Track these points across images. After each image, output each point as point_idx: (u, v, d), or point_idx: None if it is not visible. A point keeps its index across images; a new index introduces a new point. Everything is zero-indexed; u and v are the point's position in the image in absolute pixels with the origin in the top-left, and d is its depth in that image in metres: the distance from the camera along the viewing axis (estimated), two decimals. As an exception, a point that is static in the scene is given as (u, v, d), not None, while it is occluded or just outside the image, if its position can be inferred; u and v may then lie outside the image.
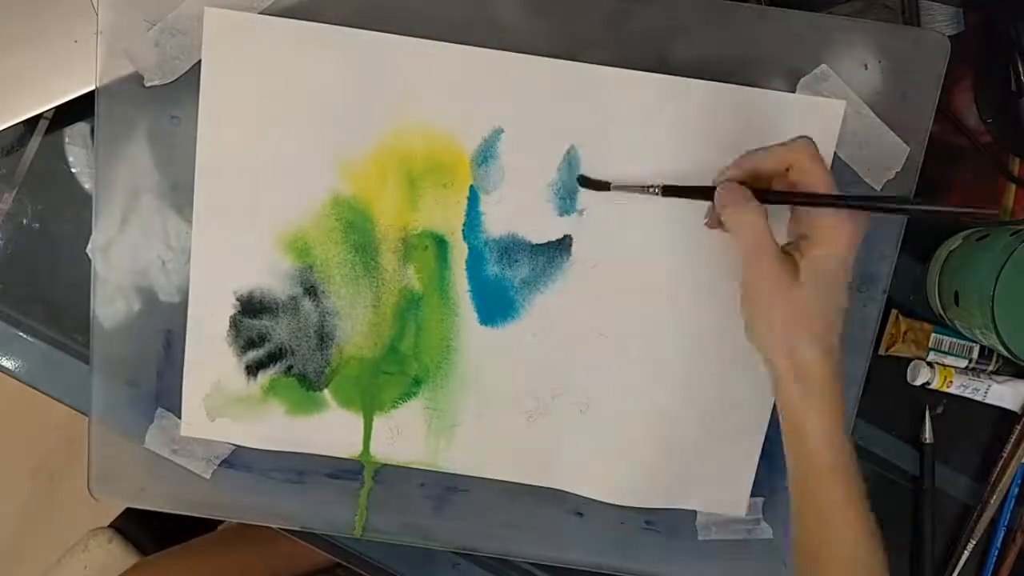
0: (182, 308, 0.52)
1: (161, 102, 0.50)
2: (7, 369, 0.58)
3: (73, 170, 0.57)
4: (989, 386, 0.58)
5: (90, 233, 0.52)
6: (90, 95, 0.50)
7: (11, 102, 0.52)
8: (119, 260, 0.52)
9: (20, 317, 0.58)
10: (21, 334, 0.58)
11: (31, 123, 0.56)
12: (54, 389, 0.59)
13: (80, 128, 0.56)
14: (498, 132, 0.50)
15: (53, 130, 0.56)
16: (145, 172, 0.51)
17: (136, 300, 0.53)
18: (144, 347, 0.53)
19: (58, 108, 0.53)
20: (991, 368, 0.59)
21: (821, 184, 0.43)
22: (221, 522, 0.87)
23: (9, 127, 0.52)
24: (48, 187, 0.57)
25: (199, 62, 0.49)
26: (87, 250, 0.52)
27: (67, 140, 0.56)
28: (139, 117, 0.50)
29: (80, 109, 0.53)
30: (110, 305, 0.53)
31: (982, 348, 0.58)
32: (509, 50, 0.49)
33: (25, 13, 0.52)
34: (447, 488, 0.56)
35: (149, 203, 0.51)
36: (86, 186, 0.57)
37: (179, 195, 0.51)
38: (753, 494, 0.55)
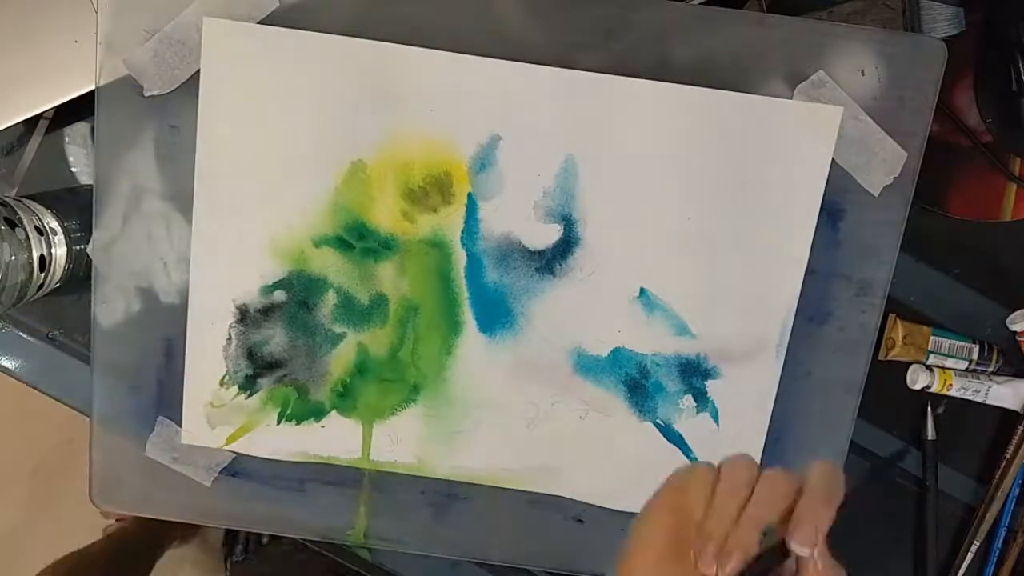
0: (182, 312, 0.52)
1: (160, 111, 0.50)
2: (7, 369, 0.58)
3: (73, 170, 0.57)
4: (989, 387, 0.58)
5: (88, 227, 0.52)
6: (90, 95, 0.50)
7: (11, 102, 0.52)
8: (120, 260, 0.52)
9: (20, 317, 0.58)
10: (21, 334, 0.58)
11: (31, 123, 0.56)
12: (54, 389, 0.59)
13: (80, 128, 0.56)
14: (496, 139, 0.50)
15: (53, 130, 0.56)
16: (145, 179, 0.51)
17: (137, 301, 0.53)
18: (145, 354, 0.53)
19: (58, 108, 0.53)
20: (991, 369, 0.59)
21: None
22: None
23: (9, 127, 0.52)
24: (48, 187, 0.57)
25: (198, 71, 0.49)
26: (87, 249, 0.52)
27: (67, 140, 0.56)
28: (138, 127, 0.50)
29: (80, 109, 0.53)
30: (110, 305, 0.53)
31: (982, 349, 0.58)
32: (507, 58, 0.49)
33: (25, 13, 0.52)
34: (447, 495, 0.56)
35: (150, 205, 0.51)
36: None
37: (179, 200, 0.51)
38: (753, 499, 0.55)
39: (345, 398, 0.53)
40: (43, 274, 0.50)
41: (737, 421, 0.54)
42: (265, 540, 1.07)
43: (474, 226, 0.51)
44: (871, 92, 0.50)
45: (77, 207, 0.53)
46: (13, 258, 0.47)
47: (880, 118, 0.50)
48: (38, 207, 0.51)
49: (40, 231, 0.49)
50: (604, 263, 0.52)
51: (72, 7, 0.51)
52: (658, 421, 0.54)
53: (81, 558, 0.84)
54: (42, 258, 0.49)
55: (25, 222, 0.48)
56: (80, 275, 0.53)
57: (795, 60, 0.50)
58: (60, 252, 0.51)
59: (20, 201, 0.50)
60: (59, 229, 0.51)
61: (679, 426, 0.54)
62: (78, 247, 0.52)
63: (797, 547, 0.35)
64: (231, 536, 1.11)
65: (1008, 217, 0.58)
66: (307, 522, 0.56)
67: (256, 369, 0.53)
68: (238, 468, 0.55)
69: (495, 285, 0.52)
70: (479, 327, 0.53)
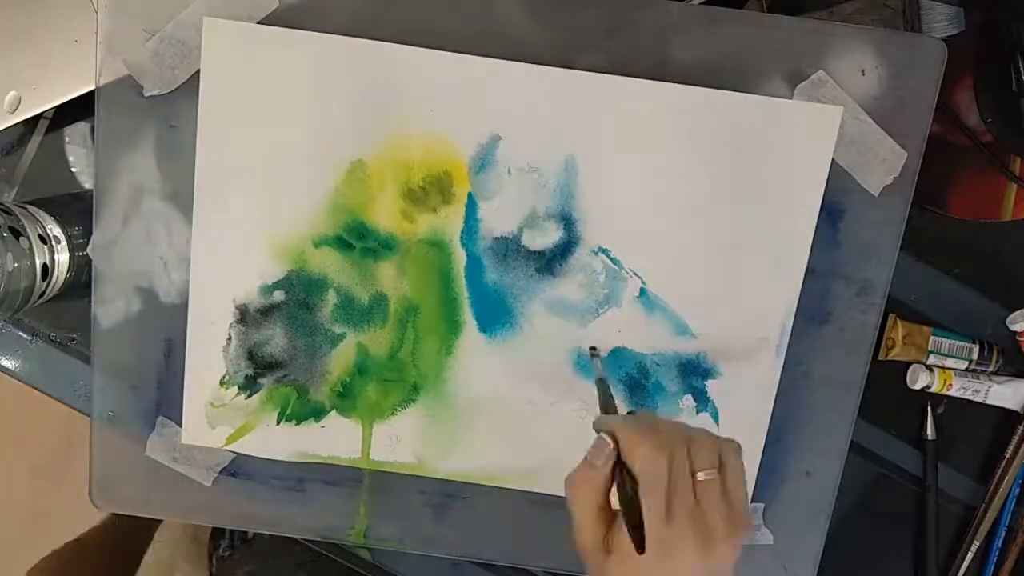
0: (182, 312, 0.52)
1: (160, 111, 0.50)
2: (7, 369, 0.58)
3: (73, 170, 0.57)
4: (990, 387, 0.58)
5: (90, 232, 0.52)
6: (90, 95, 0.50)
7: (11, 102, 0.52)
8: (120, 260, 0.52)
9: (20, 317, 0.58)
10: (21, 334, 0.58)
11: (31, 123, 0.56)
12: (54, 389, 0.59)
13: (80, 128, 0.56)
14: (496, 139, 0.50)
15: (53, 130, 0.56)
16: (145, 179, 0.51)
17: (137, 301, 0.53)
18: (145, 354, 0.53)
19: (58, 108, 0.53)
20: (991, 369, 0.59)
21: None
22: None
23: (9, 127, 0.52)
24: (48, 187, 0.57)
25: (198, 71, 0.49)
26: (88, 250, 0.52)
27: (67, 140, 0.56)
28: (138, 127, 0.50)
29: (80, 109, 0.53)
30: (110, 305, 0.53)
31: (982, 348, 0.58)
32: (508, 58, 0.49)
33: (25, 13, 0.52)
34: (447, 495, 0.56)
35: (150, 205, 0.51)
36: (86, 186, 0.57)
37: (179, 200, 0.51)
38: (754, 500, 0.55)
39: (345, 398, 0.53)
40: (45, 282, 0.50)
41: (737, 421, 0.54)
42: (250, 535, 1.07)
43: (474, 226, 0.51)
44: (871, 92, 0.50)
45: (80, 213, 0.53)
46: (16, 266, 0.47)
47: (880, 118, 0.50)
48: (42, 214, 0.51)
49: (44, 239, 0.49)
50: (604, 263, 0.52)
51: (72, 7, 0.51)
52: (658, 421, 0.54)
53: (79, 547, 0.84)
54: (45, 266, 0.49)
55: (29, 230, 0.48)
56: (82, 280, 0.53)
57: (795, 60, 0.50)
58: (63, 259, 0.51)
59: (24, 208, 0.50)
60: (62, 237, 0.51)
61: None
62: (80, 253, 0.52)
63: None
64: (216, 531, 1.11)
65: (1008, 217, 0.58)
66: (307, 522, 0.56)
67: (256, 369, 0.53)
68: (238, 468, 0.55)
69: (495, 285, 0.52)
70: (479, 327, 0.53)
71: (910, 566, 0.63)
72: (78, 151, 0.57)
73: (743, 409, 0.54)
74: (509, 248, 0.52)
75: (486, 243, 0.51)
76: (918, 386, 0.58)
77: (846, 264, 0.52)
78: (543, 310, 0.52)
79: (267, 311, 0.52)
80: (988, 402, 0.59)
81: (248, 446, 0.54)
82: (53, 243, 0.50)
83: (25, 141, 0.57)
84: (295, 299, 0.52)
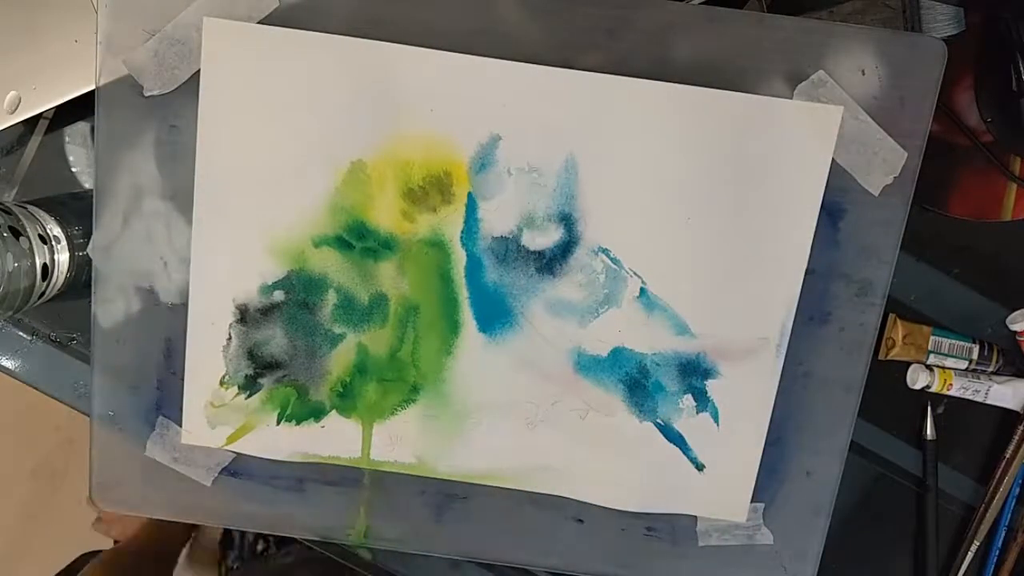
0: (182, 312, 0.52)
1: (160, 111, 0.50)
2: (7, 369, 0.59)
3: (73, 170, 0.57)
4: (990, 387, 0.58)
5: (90, 232, 0.52)
6: (90, 95, 0.50)
7: (11, 102, 0.52)
8: (120, 260, 0.52)
9: (20, 317, 0.58)
10: (21, 334, 0.58)
11: (31, 123, 0.56)
12: (54, 389, 0.59)
13: (80, 128, 0.56)
14: (496, 139, 0.50)
15: (53, 130, 0.57)
16: (145, 179, 0.51)
17: (137, 301, 0.53)
18: (145, 354, 0.53)
19: (58, 108, 0.53)
20: (991, 369, 0.59)
21: None
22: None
23: (9, 127, 0.52)
24: (48, 187, 0.57)
25: (198, 71, 0.49)
26: (88, 250, 0.52)
27: (67, 140, 0.56)
28: (138, 127, 0.50)
29: (80, 109, 0.53)
30: (110, 305, 0.53)
31: (982, 348, 0.58)
32: (508, 58, 0.49)
33: (25, 13, 0.52)
34: (447, 495, 0.56)
35: (150, 205, 0.51)
36: (86, 186, 0.57)
37: (179, 200, 0.51)
38: (754, 500, 0.55)
39: (345, 398, 0.54)
40: (45, 282, 0.50)
41: (737, 421, 0.54)
42: (260, 548, 1.07)
43: (474, 226, 0.51)
44: (871, 92, 0.50)
45: (80, 213, 0.53)
46: (16, 266, 0.47)
47: (880, 118, 0.50)
48: (42, 214, 0.51)
49: (44, 239, 0.49)
50: (604, 263, 0.52)
51: (72, 7, 0.51)
52: (658, 421, 0.54)
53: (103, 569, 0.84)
54: (45, 266, 0.49)
55: (29, 230, 0.48)
56: (82, 280, 0.53)
57: (795, 60, 0.50)
58: (63, 259, 0.51)
59: (24, 208, 0.50)
60: (62, 237, 0.51)
61: (679, 426, 0.54)
62: (80, 253, 0.52)
63: None
64: (226, 539, 1.11)
65: (1008, 217, 0.58)
66: (307, 522, 0.56)
67: (256, 369, 0.53)
68: (238, 468, 0.55)
69: (495, 285, 0.52)
70: (479, 327, 0.53)
71: (910, 566, 0.63)
72: (78, 151, 0.57)
73: (743, 409, 0.54)
74: (509, 248, 0.52)
75: (486, 243, 0.51)
76: (918, 386, 0.58)
77: (846, 264, 0.52)
78: (543, 310, 0.52)
79: (267, 311, 0.52)
80: (988, 402, 0.59)
81: (248, 446, 0.54)
82: (53, 243, 0.50)
83: (25, 141, 0.57)
84: (295, 299, 0.52)
